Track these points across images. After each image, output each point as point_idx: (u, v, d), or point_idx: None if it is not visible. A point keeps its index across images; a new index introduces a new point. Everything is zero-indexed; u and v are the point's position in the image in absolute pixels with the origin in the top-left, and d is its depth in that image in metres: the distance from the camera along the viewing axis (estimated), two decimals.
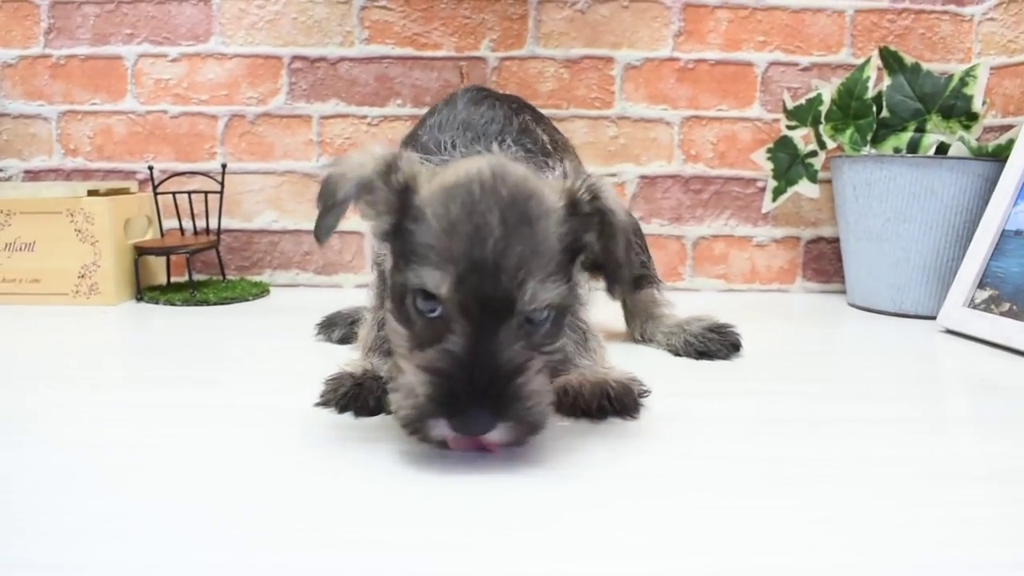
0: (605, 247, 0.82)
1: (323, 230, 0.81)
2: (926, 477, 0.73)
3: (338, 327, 1.30)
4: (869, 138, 1.59)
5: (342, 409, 0.90)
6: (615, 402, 0.90)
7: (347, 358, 0.99)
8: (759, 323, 1.46)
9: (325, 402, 0.91)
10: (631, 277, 0.93)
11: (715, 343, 1.21)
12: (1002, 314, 1.32)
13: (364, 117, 1.75)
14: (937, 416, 0.95)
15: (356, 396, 0.90)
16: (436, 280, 0.72)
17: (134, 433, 0.82)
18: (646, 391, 0.95)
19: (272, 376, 1.06)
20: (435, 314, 0.73)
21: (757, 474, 0.73)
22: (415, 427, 0.72)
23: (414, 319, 0.75)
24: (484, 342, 0.71)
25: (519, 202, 0.74)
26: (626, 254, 0.83)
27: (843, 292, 1.75)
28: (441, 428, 0.71)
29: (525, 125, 1.06)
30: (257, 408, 0.92)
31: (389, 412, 0.80)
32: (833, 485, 0.71)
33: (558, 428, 0.85)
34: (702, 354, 1.20)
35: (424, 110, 1.34)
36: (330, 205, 0.80)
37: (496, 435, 0.71)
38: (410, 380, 0.72)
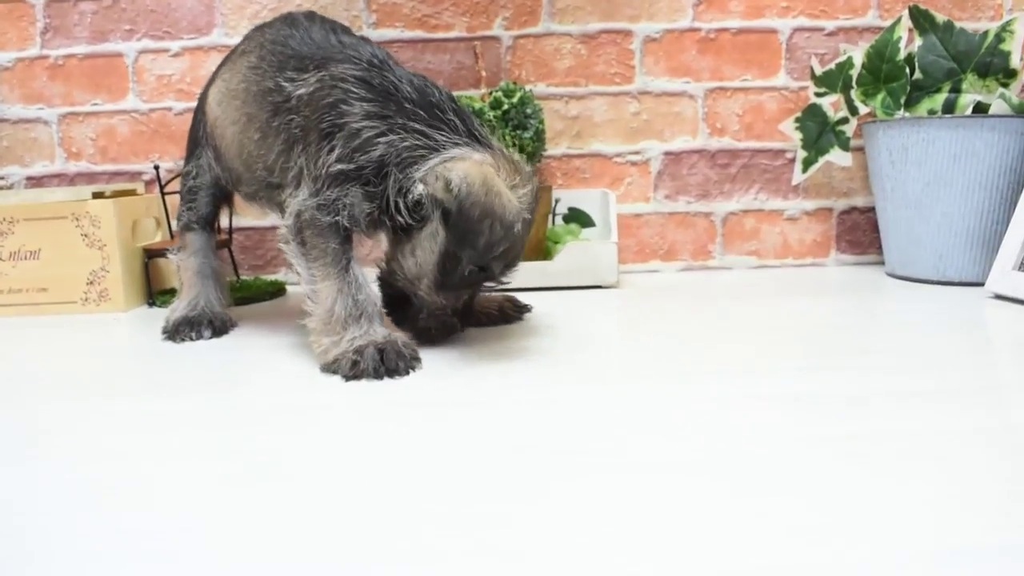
0: None
1: None
2: (989, 447, 0.68)
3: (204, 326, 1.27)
4: (902, 101, 1.52)
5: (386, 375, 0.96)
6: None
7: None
8: (795, 299, 1.40)
9: (357, 374, 0.95)
10: None
11: None
12: None
13: None
14: (993, 384, 0.88)
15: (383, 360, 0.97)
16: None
17: (157, 442, 0.76)
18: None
19: (294, 376, 1.00)
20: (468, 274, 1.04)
21: (806, 453, 0.67)
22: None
23: (458, 275, 1.02)
24: None
25: None
26: None
27: (880, 263, 1.69)
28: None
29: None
30: (282, 406, 0.86)
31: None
32: (894, 460, 0.65)
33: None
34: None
35: None
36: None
37: None
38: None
